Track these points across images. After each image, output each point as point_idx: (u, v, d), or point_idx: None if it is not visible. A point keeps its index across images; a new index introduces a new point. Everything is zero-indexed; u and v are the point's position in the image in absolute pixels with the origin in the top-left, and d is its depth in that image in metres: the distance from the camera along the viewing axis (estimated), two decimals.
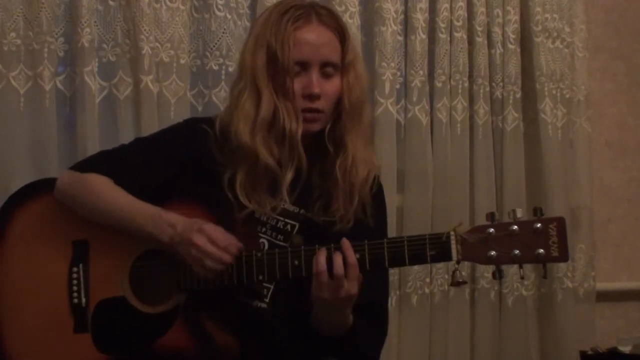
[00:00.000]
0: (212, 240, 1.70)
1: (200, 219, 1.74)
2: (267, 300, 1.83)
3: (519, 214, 1.65)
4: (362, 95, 1.85)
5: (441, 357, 2.72)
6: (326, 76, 1.81)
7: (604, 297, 3.00)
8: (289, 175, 1.79)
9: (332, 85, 1.81)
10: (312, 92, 1.78)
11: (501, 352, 2.79)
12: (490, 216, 1.67)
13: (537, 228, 1.64)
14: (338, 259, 1.67)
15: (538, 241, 1.64)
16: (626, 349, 2.66)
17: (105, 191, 1.83)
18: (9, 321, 1.87)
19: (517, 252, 1.64)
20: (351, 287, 1.68)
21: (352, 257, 1.67)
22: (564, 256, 1.64)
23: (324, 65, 1.80)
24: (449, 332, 2.73)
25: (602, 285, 2.98)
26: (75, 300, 1.84)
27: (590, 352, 2.68)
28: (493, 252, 1.65)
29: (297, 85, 1.79)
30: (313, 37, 1.80)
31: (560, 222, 1.64)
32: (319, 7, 1.85)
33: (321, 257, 1.68)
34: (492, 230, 1.65)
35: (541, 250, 1.64)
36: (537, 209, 1.65)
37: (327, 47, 1.81)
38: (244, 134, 1.78)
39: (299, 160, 1.79)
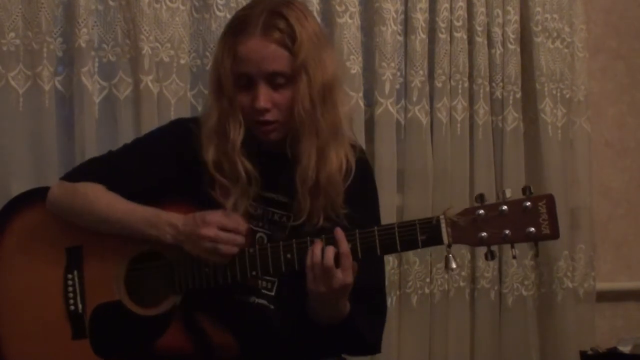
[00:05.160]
0: (221, 227, 1.71)
1: (198, 212, 1.75)
2: (272, 294, 1.83)
3: (508, 194, 1.66)
4: (317, 99, 1.77)
5: (441, 357, 2.72)
6: (276, 86, 1.77)
7: (604, 297, 3.01)
8: (235, 192, 1.78)
9: (282, 96, 1.77)
10: (256, 106, 1.76)
11: (501, 352, 2.79)
12: (480, 198, 1.67)
13: (527, 207, 1.64)
14: (329, 251, 1.68)
15: (528, 220, 1.64)
16: (626, 349, 2.66)
17: (100, 198, 1.82)
18: (8, 331, 1.87)
19: (507, 232, 1.65)
20: (345, 276, 1.68)
21: (345, 247, 1.68)
22: (554, 233, 1.64)
23: (271, 76, 1.76)
24: (449, 332, 2.73)
25: (602, 285, 2.99)
26: (72, 307, 1.84)
27: (590, 352, 2.68)
28: (484, 234, 1.66)
29: (246, 98, 1.78)
30: (253, 52, 1.75)
31: (550, 200, 1.64)
32: (268, 13, 1.77)
33: (316, 250, 1.69)
34: (481, 211, 1.66)
35: (532, 229, 1.64)
36: (526, 188, 1.65)
37: (269, 59, 1.75)
38: (203, 145, 1.80)
39: (245, 172, 1.78)
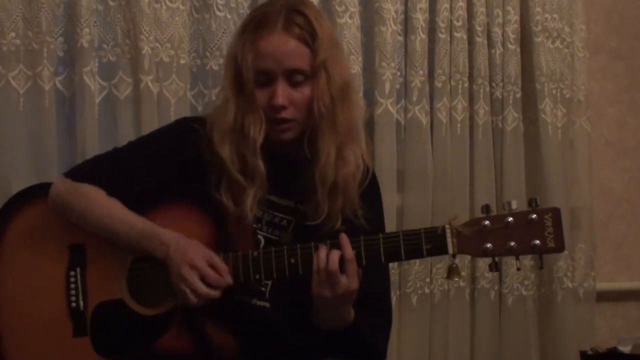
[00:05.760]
0: (202, 277, 1.71)
1: (195, 241, 1.74)
2: (267, 296, 1.82)
3: (514, 205, 1.65)
4: (336, 97, 1.79)
5: (441, 357, 2.72)
6: (295, 84, 1.77)
7: (604, 297, 3.01)
8: (252, 190, 1.78)
9: (300, 94, 1.78)
10: (274, 103, 1.76)
11: (501, 352, 2.79)
12: (485, 208, 1.67)
13: (533, 219, 1.64)
14: (334, 255, 1.67)
15: (533, 232, 1.64)
16: (626, 349, 2.66)
17: (99, 204, 1.82)
18: (9, 327, 1.87)
19: (512, 243, 1.65)
20: (350, 282, 1.68)
21: (350, 253, 1.68)
22: (559, 246, 1.64)
23: (291, 73, 1.77)
24: (449, 332, 2.73)
25: (602, 285, 2.99)
26: (74, 304, 1.84)
27: (590, 352, 2.68)
28: (489, 245, 1.66)
29: (263, 95, 1.77)
30: (275, 47, 1.76)
31: (556, 213, 1.65)
32: (287, 10, 1.79)
33: (322, 254, 1.68)
34: (487, 222, 1.66)
35: (537, 241, 1.64)
36: (532, 200, 1.65)
37: (291, 55, 1.76)
38: (216, 143, 1.79)
39: (260, 171, 1.78)
